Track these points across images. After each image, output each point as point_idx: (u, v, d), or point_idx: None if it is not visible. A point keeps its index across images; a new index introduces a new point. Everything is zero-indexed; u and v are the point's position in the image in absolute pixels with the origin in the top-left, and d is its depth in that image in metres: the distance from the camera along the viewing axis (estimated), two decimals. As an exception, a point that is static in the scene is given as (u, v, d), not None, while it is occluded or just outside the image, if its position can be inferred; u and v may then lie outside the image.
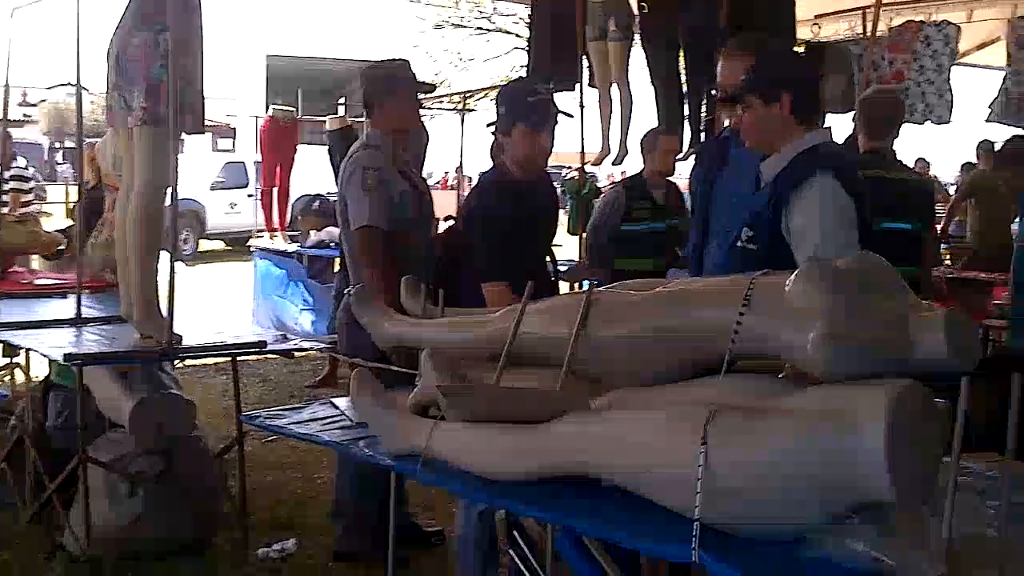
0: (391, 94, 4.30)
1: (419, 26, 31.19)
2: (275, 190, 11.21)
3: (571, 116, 4.10)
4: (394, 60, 4.46)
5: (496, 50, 32.44)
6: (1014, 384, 1.89)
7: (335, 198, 10.52)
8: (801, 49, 7.29)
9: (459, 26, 31.72)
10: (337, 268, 8.47)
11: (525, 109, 3.64)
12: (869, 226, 3.07)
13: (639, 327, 2.41)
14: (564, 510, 2.30)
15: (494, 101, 3.76)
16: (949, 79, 7.20)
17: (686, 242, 6.39)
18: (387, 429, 2.74)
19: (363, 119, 5.10)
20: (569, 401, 2.37)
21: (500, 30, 32.29)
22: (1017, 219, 5.93)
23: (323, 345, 5.37)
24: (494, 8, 29.06)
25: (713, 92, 7.06)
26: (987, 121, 7.33)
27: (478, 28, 32.09)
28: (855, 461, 1.85)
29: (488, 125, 3.82)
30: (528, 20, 8.63)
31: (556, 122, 3.76)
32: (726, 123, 3.82)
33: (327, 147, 12.09)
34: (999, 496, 2.08)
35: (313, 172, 13.25)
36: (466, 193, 6.07)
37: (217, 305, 11.04)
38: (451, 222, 4.74)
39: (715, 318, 2.27)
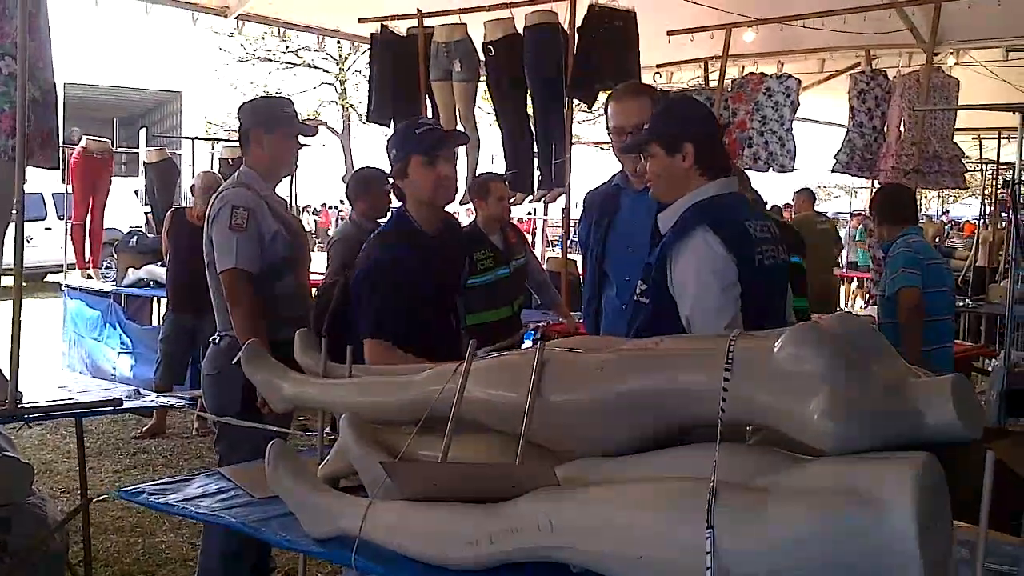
0: (267, 131, 4.04)
1: (223, 58, 30.58)
2: (87, 225, 10.58)
3: (467, 139, 3.91)
4: (273, 96, 4.19)
5: (304, 84, 32.11)
6: (989, 459, 1.79)
7: (152, 235, 10.12)
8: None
9: (266, 59, 31.21)
10: (164, 309, 8.05)
11: (416, 141, 3.43)
12: (767, 271, 2.98)
13: (604, 391, 2.19)
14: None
15: (385, 149, 3.54)
16: (791, 130, 7.39)
17: (532, 278, 6.39)
18: (310, 508, 2.44)
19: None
20: (534, 476, 2.13)
21: (308, 65, 31.96)
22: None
23: (186, 400, 4.96)
24: (290, 41, 28.71)
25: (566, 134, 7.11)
26: (832, 171, 7.56)
27: (285, 63, 31.66)
28: (882, 544, 1.69)
29: (386, 175, 3.61)
30: (369, 59, 8.45)
31: (454, 152, 3.58)
32: (617, 172, 3.70)
33: (145, 181, 11.60)
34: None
35: (117, 206, 12.60)
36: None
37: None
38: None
39: (694, 383, 2.08)
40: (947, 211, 23.02)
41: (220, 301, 3.97)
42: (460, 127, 7.64)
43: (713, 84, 8.29)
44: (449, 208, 3.84)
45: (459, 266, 3.83)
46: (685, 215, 3.00)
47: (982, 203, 13.04)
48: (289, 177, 8.58)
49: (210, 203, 4.01)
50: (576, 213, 4.47)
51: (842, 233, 15.26)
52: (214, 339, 4.04)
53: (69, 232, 10.69)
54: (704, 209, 2.99)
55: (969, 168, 11.72)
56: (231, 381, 3.80)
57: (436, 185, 3.45)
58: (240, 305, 3.86)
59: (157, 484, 2.93)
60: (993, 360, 6.28)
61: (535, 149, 7.33)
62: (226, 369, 3.83)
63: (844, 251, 14.50)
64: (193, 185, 8.29)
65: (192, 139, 12.95)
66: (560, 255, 7.78)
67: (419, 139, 3.43)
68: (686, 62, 9.26)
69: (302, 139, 4.14)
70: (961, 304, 8.37)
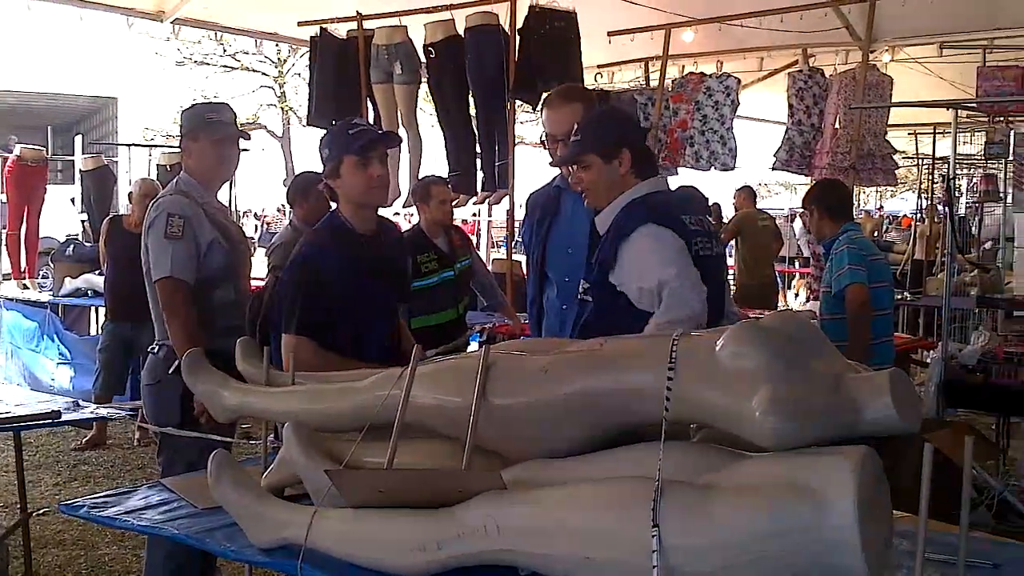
0: (193, 139, 3.98)
1: (160, 63, 30.24)
2: (22, 234, 10.40)
3: (400, 140, 3.89)
4: (204, 102, 4.12)
5: (243, 88, 31.81)
6: (926, 451, 1.82)
7: (89, 243, 9.97)
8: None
9: (203, 64, 30.90)
10: (103, 319, 7.93)
11: (349, 140, 3.40)
12: (703, 261, 3.04)
13: (549, 393, 2.19)
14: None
15: (317, 150, 3.50)
16: (731, 128, 7.45)
17: (477, 279, 6.39)
18: (254, 518, 2.41)
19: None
20: (479, 480, 2.12)
21: (246, 68, 31.67)
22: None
23: (126, 411, 4.88)
24: (227, 45, 28.48)
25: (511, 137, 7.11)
26: (772, 169, 7.62)
27: (223, 66, 31.36)
28: (824, 537, 1.71)
29: (318, 175, 3.57)
30: (308, 63, 8.39)
31: (386, 152, 3.55)
32: (558, 173, 3.71)
33: (81, 188, 11.43)
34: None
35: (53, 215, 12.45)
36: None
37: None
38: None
39: (639, 383, 2.08)
40: (881, 206, 23.31)
41: (158, 310, 3.90)
42: (402, 130, 7.63)
43: (654, 84, 8.32)
44: (392, 211, 3.82)
45: (397, 268, 3.78)
46: (622, 215, 3.05)
47: (919, 197, 13.24)
48: (229, 182, 8.57)
49: (147, 211, 3.94)
50: (520, 214, 4.48)
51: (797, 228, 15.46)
52: (152, 349, 3.98)
53: (4, 242, 10.50)
54: (643, 207, 3.05)
55: (905, 163, 11.94)
56: (170, 391, 3.76)
57: (369, 186, 3.42)
58: (176, 315, 3.79)
59: (98, 497, 2.88)
60: (931, 352, 6.38)
61: (478, 151, 7.32)
62: (165, 379, 3.78)
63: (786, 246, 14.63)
64: (131, 192, 8.18)
65: (128, 146, 12.79)
66: (505, 256, 7.76)
67: (352, 139, 3.40)
68: (627, 62, 9.29)
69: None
70: (900, 297, 8.48)
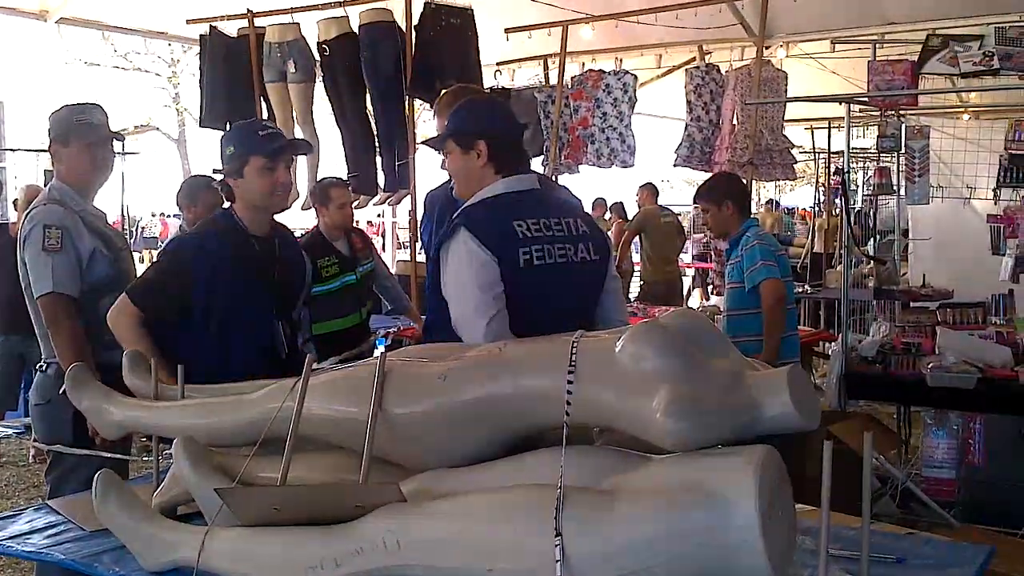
0: (68, 140, 3.80)
1: (46, 64, 29.50)
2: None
3: (311, 149, 3.80)
4: (72, 105, 3.93)
5: (135, 89, 31.15)
6: (826, 449, 1.81)
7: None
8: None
9: (93, 65, 30.18)
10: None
11: (258, 141, 3.31)
12: (539, 270, 2.89)
13: (448, 400, 2.14)
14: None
15: (220, 143, 3.39)
16: (630, 125, 7.47)
17: (380, 283, 6.30)
18: (143, 540, 2.32)
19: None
20: (377, 493, 2.06)
21: (138, 69, 31.02)
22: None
23: (18, 429, 4.68)
24: (116, 45, 27.94)
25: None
26: (674, 165, 7.66)
27: (114, 67, 30.67)
28: (727, 539, 1.69)
29: (215, 171, 3.46)
30: (199, 62, 8.19)
31: (292, 158, 3.47)
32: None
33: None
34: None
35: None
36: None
37: None
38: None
39: (539, 387, 2.04)
40: (777, 201, 23.61)
41: (42, 327, 3.74)
42: (298, 130, 7.49)
43: (553, 81, 8.31)
44: (290, 213, 3.72)
45: (289, 273, 3.68)
46: (454, 217, 2.98)
47: (816, 191, 13.46)
48: (120, 186, 8.37)
49: (20, 223, 3.76)
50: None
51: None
52: (40, 366, 3.80)
53: None
54: (467, 211, 2.98)
55: (802, 158, 12.13)
56: (60, 410, 3.60)
57: (272, 191, 3.34)
58: (61, 331, 3.62)
59: (-17, 520, 2.75)
60: (832, 344, 6.46)
61: (377, 150, 7.22)
62: (55, 398, 3.63)
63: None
64: (16, 200, 7.91)
65: (14, 150, 12.39)
66: (409, 258, 7.66)
67: (261, 141, 3.31)
68: (526, 59, 9.27)
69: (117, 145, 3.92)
70: (800, 291, 8.60)
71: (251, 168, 3.31)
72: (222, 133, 3.46)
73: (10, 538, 2.60)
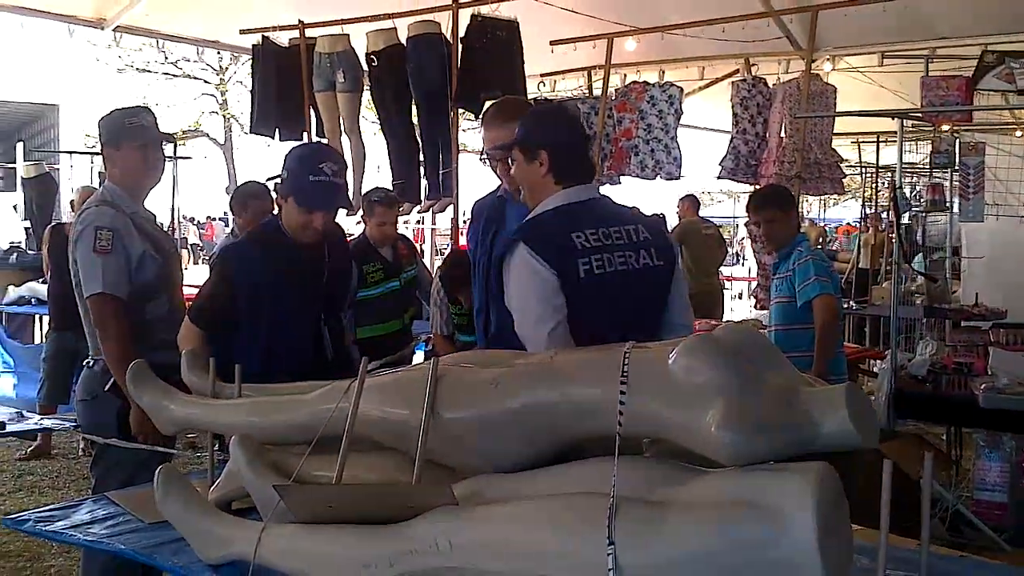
0: (120, 143, 3.87)
1: (101, 69, 29.88)
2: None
3: (352, 207, 3.89)
4: (123, 108, 3.99)
5: (185, 96, 31.52)
6: (885, 469, 1.81)
7: (33, 251, 9.81)
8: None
9: (145, 71, 30.55)
10: (47, 327, 7.81)
11: (307, 187, 3.34)
12: (600, 279, 2.90)
13: (500, 406, 2.16)
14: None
15: (284, 158, 3.44)
16: (676, 137, 7.47)
17: (424, 289, 6.34)
18: (202, 534, 2.36)
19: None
20: (430, 495, 2.09)
21: (188, 76, 31.38)
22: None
23: (69, 423, 4.77)
24: (168, 52, 28.24)
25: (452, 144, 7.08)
26: (718, 178, 7.64)
27: (165, 74, 31.04)
28: (783, 556, 1.68)
29: (271, 179, 3.52)
30: (251, 71, 8.31)
31: (335, 209, 3.52)
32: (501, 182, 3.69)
33: (24, 196, 11.26)
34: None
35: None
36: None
37: None
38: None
39: (590, 397, 2.06)
40: (819, 217, 23.39)
41: (91, 325, 3.81)
42: (346, 138, 7.58)
43: (597, 93, 8.33)
44: (339, 217, 3.77)
45: (339, 278, 3.74)
46: (514, 232, 3.01)
47: (863, 206, 13.36)
48: (172, 189, 8.46)
49: (72, 223, 3.83)
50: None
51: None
52: (87, 363, 3.87)
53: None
54: (526, 224, 3.01)
55: (849, 172, 12.06)
56: (106, 406, 3.69)
57: (304, 228, 3.43)
58: (109, 331, 3.69)
59: (44, 511, 2.85)
60: (879, 362, 6.39)
61: (421, 158, 7.28)
62: (101, 394, 3.71)
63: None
64: (72, 200, 8.05)
65: (70, 153, 12.60)
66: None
67: (311, 187, 3.34)
68: (569, 71, 9.31)
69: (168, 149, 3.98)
70: (845, 307, 8.53)
71: (291, 204, 3.40)
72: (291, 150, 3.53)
73: (72, 527, 2.67)
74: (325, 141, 7.68)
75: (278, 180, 3.45)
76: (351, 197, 7.16)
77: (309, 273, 3.52)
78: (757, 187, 7.22)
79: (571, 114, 3.51)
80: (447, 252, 6.41)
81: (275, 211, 3.57)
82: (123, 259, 3.73)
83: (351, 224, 9.85)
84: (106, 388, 3.64)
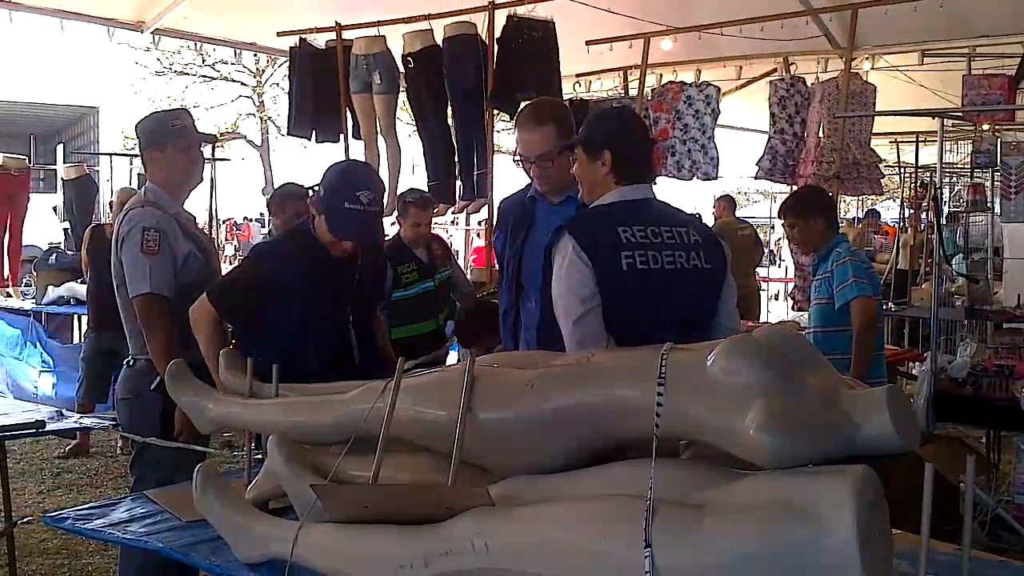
0: (164, 145, 3.90)
1: (140, 72, 30.15)
2: (5, 242, 10.43)
3: (380, 250, 3.93)
4: (163, 111, 4.06)
5: (222, 98, 31.75)
6: (927, 473, 1.79)
7: (72, 252, 9.91)
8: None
9: (183, 73, 30.81)
10: (85, 327, 7.89)
11: (339, 214, 3.35)
12: (644, 274, 2.89)
13: (536, 407, 2.15)
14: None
15: (325, 171, 3.46)
16: (713, 137, 7.42)
17: (458, 290, 6.34)
18: (239, 532, 2.38)
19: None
20: (467, 496, 2.08)
21: (225, 78, 31.60)
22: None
23: (108, 422, 4.82)
24: (206, 55, 28.45)
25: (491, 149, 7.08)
26: (755, 178, 7.58)
27: (202, 76, 31.28)
28: (823, 559, 1.65)
29: (307, 188, 3.55)
30: (288, 73, 8.37)
31: (367, 237, 3.54)
32: (530, 182, 3.70)
33: (64, 197, 11.39)
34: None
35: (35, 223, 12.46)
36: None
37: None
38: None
39: (628, 398, 2.04)
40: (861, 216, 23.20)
41: (132, 324, 3.83)
42: (381, 139, 7.60)
43: (633, 93, 8.30)
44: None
45: (372, 280, 3.75)
46: (565, 221, 3.02)
47: (902, 206, 13.22)
48: (210, 191, 8.55)
49: (117, 223, 3.87)
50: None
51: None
52: (128, 361, 3.90)
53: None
54: (576, 216, 3.08)
55: (887, 171, 11.94)
56: (147, 405, 3.72)
57: (331, 244, 3.47)
58: (156, 331, 3.72)
59: (83, 509, 2.88)
60: (918, 364, 6.31)
61: (456, 159, 7.30)
62: (144, 393, 3.73)
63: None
64: (112, 201, 8.12)
65: (110, 155, 12.73)
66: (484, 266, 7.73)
67: (343, 218, 3.35)
68: (605, 71, 9.29)
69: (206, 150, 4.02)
70: (884, 308, 8.44)
71: (322, 224, 3.44)
72: (333, 161, 3.55)
73: (111, 525, 2.69)
74: (361, 143, 7.73)
75: (315, 189, 3.46)
76: (387, 198, 7.25)
77: (340, 275, 3.53)
78: (794, 187, 7.17)
79: (635, 116, 3.53)
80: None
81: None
82: (169, 259, 3.77)
83: (386, 225, 9.85)
84: (152, 387, 3.67)
